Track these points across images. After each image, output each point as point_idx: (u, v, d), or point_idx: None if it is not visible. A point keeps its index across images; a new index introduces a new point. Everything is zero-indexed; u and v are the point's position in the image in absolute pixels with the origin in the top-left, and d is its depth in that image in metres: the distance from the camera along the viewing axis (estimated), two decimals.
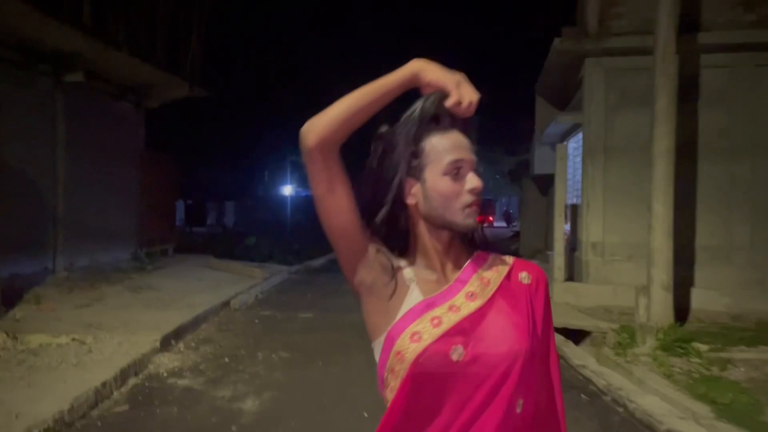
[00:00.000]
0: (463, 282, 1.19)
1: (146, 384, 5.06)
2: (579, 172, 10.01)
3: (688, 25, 8.52)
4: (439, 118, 1.17)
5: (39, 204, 8.41)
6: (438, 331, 1.10)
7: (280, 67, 23.52)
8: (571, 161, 11.24)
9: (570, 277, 9.42)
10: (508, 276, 1.23)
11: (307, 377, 5.32)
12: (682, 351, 6.58)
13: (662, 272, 6.96)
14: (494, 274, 1.22)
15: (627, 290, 8.06)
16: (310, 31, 22.80)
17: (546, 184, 14.01)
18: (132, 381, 5.09)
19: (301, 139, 1.10)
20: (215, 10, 12.49)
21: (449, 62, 1.18)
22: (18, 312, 6.60)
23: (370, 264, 1.18)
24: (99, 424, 4.17)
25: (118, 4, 8.85)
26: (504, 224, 40.46)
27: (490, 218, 38.81)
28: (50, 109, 8.63)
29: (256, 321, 7.66)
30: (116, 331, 6.13)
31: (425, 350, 1.09)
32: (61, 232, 8.76)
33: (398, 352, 1.11)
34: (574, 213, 10.35)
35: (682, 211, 8.43)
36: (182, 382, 5.12)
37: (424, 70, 1.12)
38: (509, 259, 1.27)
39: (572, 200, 10.91)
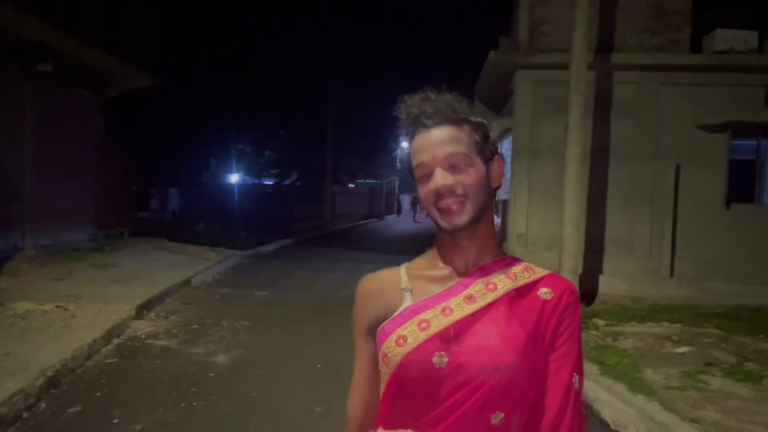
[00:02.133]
0: (465, 285, 1.17)
1: (128, 343, 5.94)
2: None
3: (603, 45, 9.89)
4: (420, 121, 1.18)
5: (8, 186, 8.98)
6: (423, 336, 1.11)
7: (228, 57, 23.98)
8: (505, 160, 12.49)
9: None
10: (527, 287, 1.17)
11: (267, 340, 6.29)
12: (583, 325, 7.89)
13: (570, 259, 8.24)
14: (507, 282, 1.17)
15: None
16: (257, 24, 23.38)
17: None
18: (115, 341, 5.95)
19: None
20: (173, 5, 13.12)
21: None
22: (1, 283, 7.28)
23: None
24: (96, 371, 5.05)
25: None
26: None
27: None
28: (19, 96, 9.20)
29: (216, 297, 8.56)
30: (94, 301, 6.94)
31: (409, 354, 1.10)
32: (29, 213, 9.36)
33: (384, 354, 1.14)
34: (504, 208, 11.61)
35: (594, 208, 9.81)
36: (160, 342, 6.01)
37: None
38: (540, 272, 1.20)
39: (504, 196, 12.18)
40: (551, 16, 9.95)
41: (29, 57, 9.09)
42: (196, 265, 10.71)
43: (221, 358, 5.55)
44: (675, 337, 7.61)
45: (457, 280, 1.18)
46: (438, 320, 1.12)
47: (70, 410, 4.18)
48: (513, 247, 10.13)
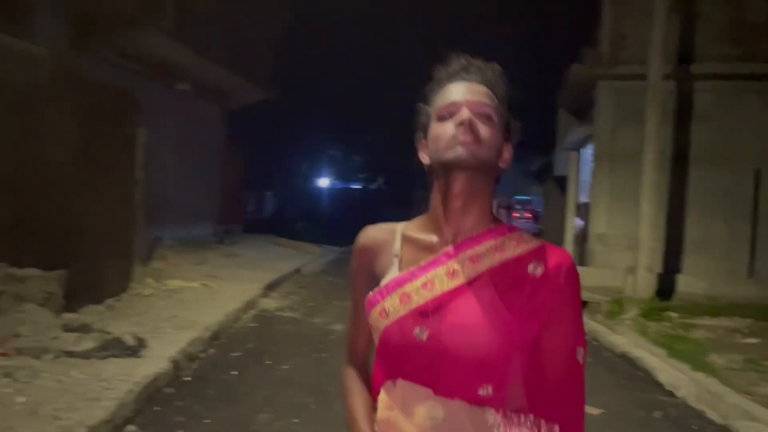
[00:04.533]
0: (450, 256, 1.13)
1: (262, 314, 7.29)
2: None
3: (684, 55, 10.40)
4: (460, 75, 1.17)
5: (154, 187, 10.68)
6: (404, 310, 1.12)
7: (323, 69, 25.54)
8: (587, 165, 13.16)
9: (582, 263, 11.41)
10: (516, 261, 1.12)
11: None
12: (657, 317, 8.52)
13: (646, 257, 8.90)
14: (494, 256, 1.13)
15: (624, 273, 9.97)
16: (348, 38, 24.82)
17: (565, 184, 15.90)
18: (251, 312, 7.32)
19: None
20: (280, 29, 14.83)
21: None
22: (155, 265, 8.89)
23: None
24: (243, 331, 6.41)
25: (219, 27, 11.15)
26: (532, 221, 42.15)
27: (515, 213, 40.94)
28: (163, 111, 10.91)
29: (324, 283, 9.89)
30: (229, 281, 8.39)
31: (389, 327, 1.13)
32: (169, 210, 11.06)
33: (372, 324, 1.18)
34: (586, 210, 12.27)
35: (674, 211, 10.33)
36: (286, 314, 7.33)
37: None
38: (532, 244, 1.15)
39: (585, 199, 12.82)
40: (631, 30, 10.56)
41: (171, 77, 10.81)
42: (303, 257, 12.14)
43: (337, 327, 6.75)
44: (745, 330, 8.08)
45: (445, 249, 1.15)
46: (419, 294, 1.12)
47: (233, 354, 5.50)
48: (593, 246, 10.82)
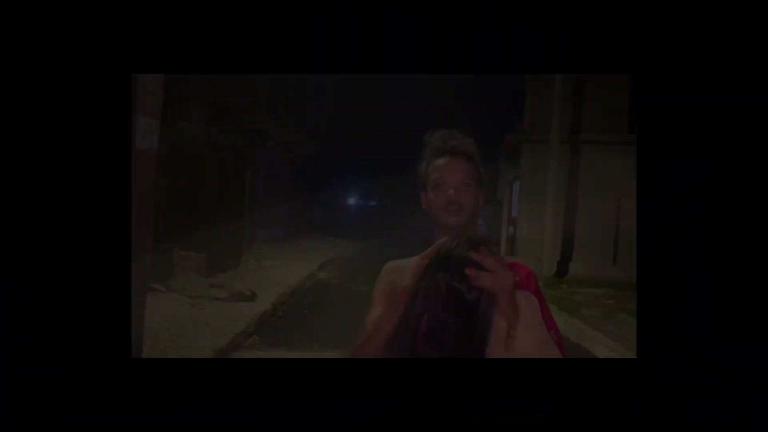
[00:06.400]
0: None
1: (317, 281, 8.17)
2: None
3: (576, 126, 11.22)
4: (446, 149, 1.17)
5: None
6: None
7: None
8: (516, 194, 13.96)
9: (512, 254, 12.22)
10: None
11: None
12: (554, 287, 9.25)
13: (548, 251, 9.70)
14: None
15: (535, 260, 10.67)
16: None
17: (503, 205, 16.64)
18: (312, 280, 8.20)
19: None
20: None
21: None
22: (253, 250, 9.81)
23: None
24: (315, 286, 7.32)
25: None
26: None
27: None
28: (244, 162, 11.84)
29: (352, 265, 10.73)
30: (299, 261, 9.27)
31: None
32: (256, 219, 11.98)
33: None
34: (516, 221, 13.02)
35: (568, 224, 11.10)
36: (333, 282, 8.21)
37: None
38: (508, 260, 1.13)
39: (515, 215, 13.57)
40: (542, 112, 11.40)
41: (259, 138, 11.69)
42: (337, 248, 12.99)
43: (362, 288, 7.51)
44: (607, 296, 8.84)
45: None
46: None
47: (304, 301, 6.40)
48: (519, 244, 11.64)
